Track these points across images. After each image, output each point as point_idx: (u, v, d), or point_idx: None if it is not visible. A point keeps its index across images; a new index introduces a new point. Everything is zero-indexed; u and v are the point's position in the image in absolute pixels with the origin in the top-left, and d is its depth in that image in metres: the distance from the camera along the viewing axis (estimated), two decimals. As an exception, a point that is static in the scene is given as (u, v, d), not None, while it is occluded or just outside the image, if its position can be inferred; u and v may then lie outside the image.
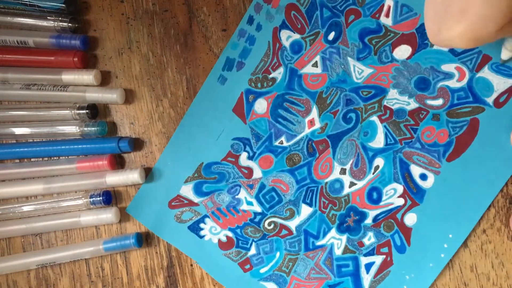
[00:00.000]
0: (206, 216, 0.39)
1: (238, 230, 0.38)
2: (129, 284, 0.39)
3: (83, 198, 0.38)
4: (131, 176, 0.38)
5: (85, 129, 0.38)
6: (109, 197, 0.39)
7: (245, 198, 0.38)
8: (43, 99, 0.39)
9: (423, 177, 0.36)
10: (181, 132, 0.39)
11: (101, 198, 0.38)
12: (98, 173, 0.38)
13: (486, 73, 0.35)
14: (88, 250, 0.38)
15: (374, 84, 0.37)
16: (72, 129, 0.38)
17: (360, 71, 0.37)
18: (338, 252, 0.37)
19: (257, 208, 0.38)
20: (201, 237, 0.39)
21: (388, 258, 0.37)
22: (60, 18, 0.38)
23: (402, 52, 0.36)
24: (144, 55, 0.39)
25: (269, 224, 0.38)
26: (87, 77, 0.38)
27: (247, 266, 0.38)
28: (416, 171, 0.36)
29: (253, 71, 0.38)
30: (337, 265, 0.37)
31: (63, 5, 0.37)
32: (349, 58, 0.37)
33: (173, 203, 0.39)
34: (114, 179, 0.38)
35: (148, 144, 0.39)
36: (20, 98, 0.39)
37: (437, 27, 0.24)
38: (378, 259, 0.37)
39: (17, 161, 0.40)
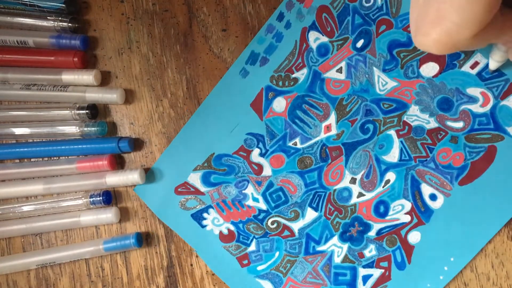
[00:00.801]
0: (210, 206, 0.39)
1: (240, 225, 0.38)
2: (129, 284, 0.39)
3: (83, 198, 0.38)
4: (131, 176, 0.38)
5: (85, 129, 0.38)
6: (109, 197, 0.39)
7: (252, 194, 0.38)
8: (43, 99, 0.39)
9: (433, 197, 0.36)
10: (196, 120, 0.39)
11: (101, 198, 0.38)
12: (98, 173, 0.38)
13: (511, 101, 0.35)
14: (88, 250, 0.38)
15: (396, 98, 0.36)
16: (72, 129, 0.38)
17: (384, 83, 0.36)
18: (337, 260, 0.37)
19: (263, 205, 0.38)
20: (203, 226, 0.39)
21: (387, 273, 0.37)
22: (60, 18, 0.38)
23: (429, 69, 0.36)
24: (144, 55, 0.39)
25: (272, 223, 0.38)
26: (87, 77, 0.38)
27: (245, 262, 0.38)
28: (426, 190, 0.36)
29: (276, 68, 0.38)
30: (335, 273, 0.37)
31: (63, 5, 0.37)
32: (374, 68, 0.36)
33: (179, 189, 0.39)
34: (114, 179, 0.38)
35: (148, 144, 0.39)
36: (20, 98, 0.39)
37: (416, 30, 0.25)
38: (376, 272, 0.37)
39: (17, 161, 0.40)
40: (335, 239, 0.37)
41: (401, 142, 0.36)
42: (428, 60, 0.36)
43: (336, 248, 0.37)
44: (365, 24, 0.36)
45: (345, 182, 0.37)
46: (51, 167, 0.39)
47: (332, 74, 0.37)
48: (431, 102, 0.36)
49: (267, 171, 0.38)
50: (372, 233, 0.37)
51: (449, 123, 0.36)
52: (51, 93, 0.38)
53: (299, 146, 0.38)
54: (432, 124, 0.36)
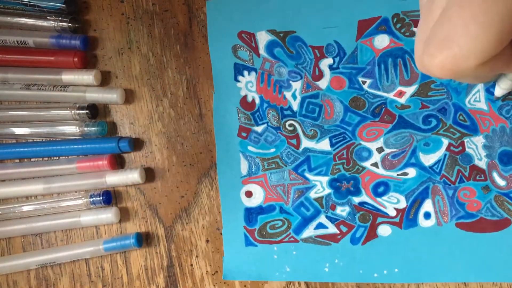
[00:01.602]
0: (255, 69, 0.38)
1: (265, 104, 0.38)
2: (129, 284, 0.39)
3: (83, 198, 0.38)
4: (131, 176, 0.38)
5: (85, 129, 0.38)
6: (109, 197, 0.39)
7: (296, 90, 0.38)
8: (43, 99, 0.39)
9: (427, 216, 0.36)
10: None
11: (101, 198, 0.38)
12: (98, 173, 0.38)
13: None
14: (88, 250, 0.38)
15: (474, 119, 0.35)
16: (72, 129, 0.38)
17: (477, 99, 0.35)
18: (312, 195, 0.37)
19: (295, 106, 0.38)
20: (237, 80, 0.38)
21: (339, 236, 0.37)
22: (60, 18, 0.38)
23: None
24: (144, 55, 0.39)
25: (290, 125, 0.38)
26: (87, 77, 0.38)
27: (244, 134, 0.38)
28: (427, 206, 0.36)
29: (405, 11, 0.36)
30: (301, 202, 0.38)
31: (63, 5, 0.37)
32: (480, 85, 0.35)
33: (243, 35, 0.38)
34: (114, 179, 0.38)
35: (148, 144, 0.39)
36: (20, 98, 0.39)
37: (422, 50, 0.24)
38: (332, 229, 0.37)
39: (17, 161, 0.40)
40: (324, 179, 0.37)
41: (445, 155, 0.36)
42: None
43: (320, 187, 0.37)
44: None
45: (373, 146, 0.37)
46: (51, 167, 0.39)
47: None
48: (497, 147, 0.35)
49: (323, 83, 0.37)
50: (356, 199, 0.37)
51: (495, 174, 0.35)
52: (51, 93, 0.38)
53: (365, 87, 0.37)
54: (482, 163, 0.35)
